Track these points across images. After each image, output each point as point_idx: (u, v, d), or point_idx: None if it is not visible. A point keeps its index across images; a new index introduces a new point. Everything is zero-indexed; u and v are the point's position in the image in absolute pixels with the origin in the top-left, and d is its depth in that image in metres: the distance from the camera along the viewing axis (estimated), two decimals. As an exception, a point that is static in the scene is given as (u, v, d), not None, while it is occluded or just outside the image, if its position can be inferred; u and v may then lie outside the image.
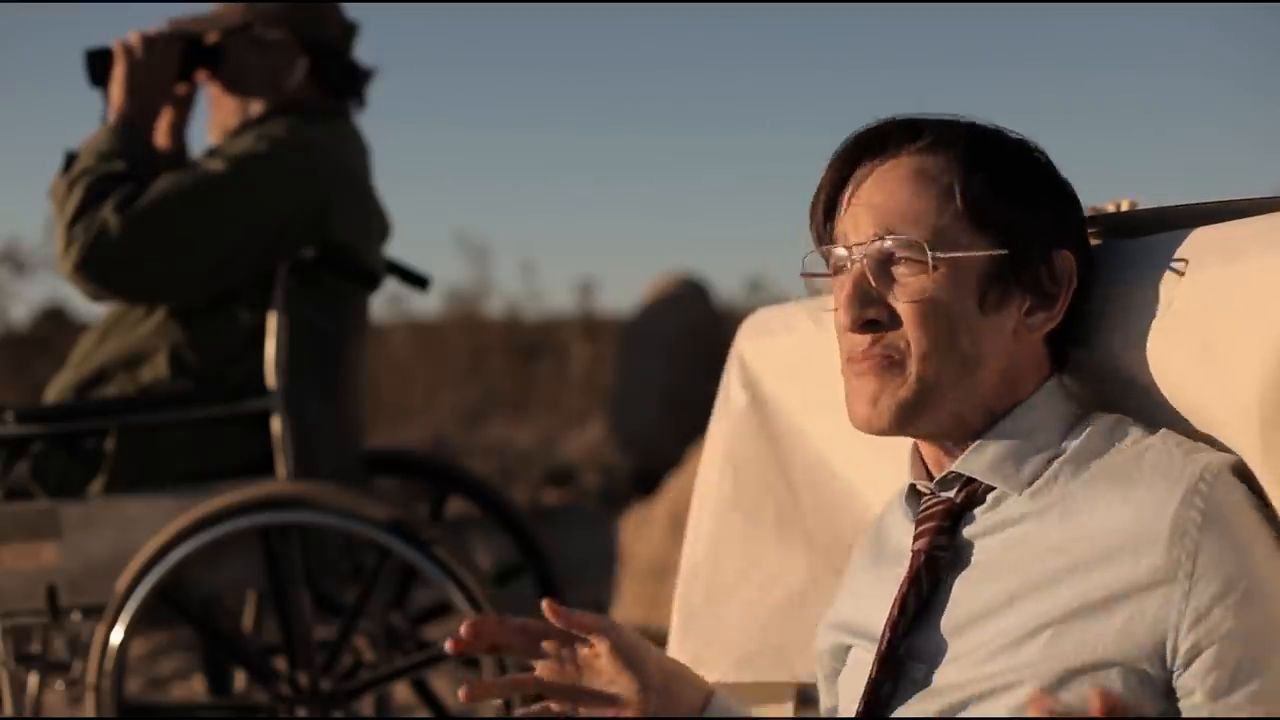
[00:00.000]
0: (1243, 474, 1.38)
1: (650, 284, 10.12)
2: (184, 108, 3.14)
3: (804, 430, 2.05)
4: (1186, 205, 1.51)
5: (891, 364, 1.44)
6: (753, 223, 21.06)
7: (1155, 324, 1.45)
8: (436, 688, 3.90)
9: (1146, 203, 1.73)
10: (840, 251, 1.48)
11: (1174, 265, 1.44)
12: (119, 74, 2.93)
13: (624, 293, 27.11)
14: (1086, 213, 1.56)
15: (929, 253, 1.42)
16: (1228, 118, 19.95)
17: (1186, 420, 1.45)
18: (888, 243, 1.45)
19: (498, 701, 2.80)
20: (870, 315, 1.45)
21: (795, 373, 2.00)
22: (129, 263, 2.83)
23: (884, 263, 1.45)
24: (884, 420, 1.46)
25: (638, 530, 6.19)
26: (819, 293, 1.89)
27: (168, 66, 2.95)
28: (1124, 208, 1.77)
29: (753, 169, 21.32)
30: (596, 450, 10.11)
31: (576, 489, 9.63)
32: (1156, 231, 1.50)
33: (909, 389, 1.44)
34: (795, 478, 2.07)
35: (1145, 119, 20.42)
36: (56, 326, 11.27)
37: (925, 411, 1.45)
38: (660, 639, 1.90)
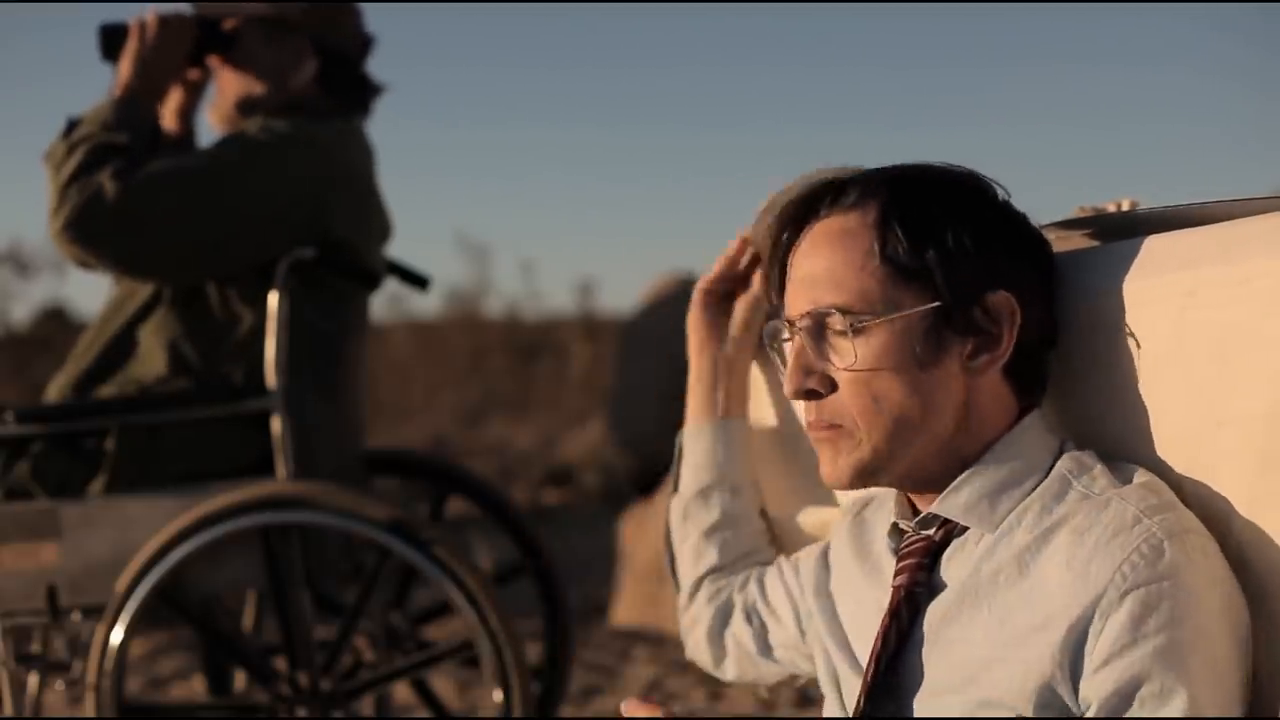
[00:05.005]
0: (1198, 543, 1.37)
1: (650, 284, 10.14)
2: (195, 92, 3.15)
3: (774, 436, 2.04)
4: (1186, 205, 1.51)
5: (840, 433, 1.49)
6: (753, 223, 21.04)
7: (1152, 325, 1.45)
8: (436, 688, 3.91)
9: (1146, 203, 1.73)
10: (783, 322, 1.54)
11: (1173, 266, 1.44)
12: (130, 49, 2.94)
13: (624, 293, 27.12)
14: (1086, 213, 1.56)
15: (855, 321, 1.45)
16: (1228, 117, 19.95)
17: (1186, 422, 1.45)
18: (818, 311, 1.48)
19: (498, 700, 2.81)
20: (809, 385, 1.49)
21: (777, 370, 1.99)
22: (118, 229, 2.82)
23: (818, 332, 1.49)
24: (843, 480, 1.51)
25: (638, 530, 6.19)
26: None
27: (179, 47, 2.97)
28: (1124, 208, 1.77)
29: (753, 168, 21.33)
30: (596, 450, 10.11)
31: (576, 489, 9.64)
32: (1156, 231, 1.50)
33: (860, 453, 1.48)
34: (765, 466, 2.06)
35: (1145, 118, 20.42)
36: (57, 326, 11.28)
37: (880, 470, 1.49)
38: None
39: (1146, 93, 20.37)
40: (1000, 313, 1.47)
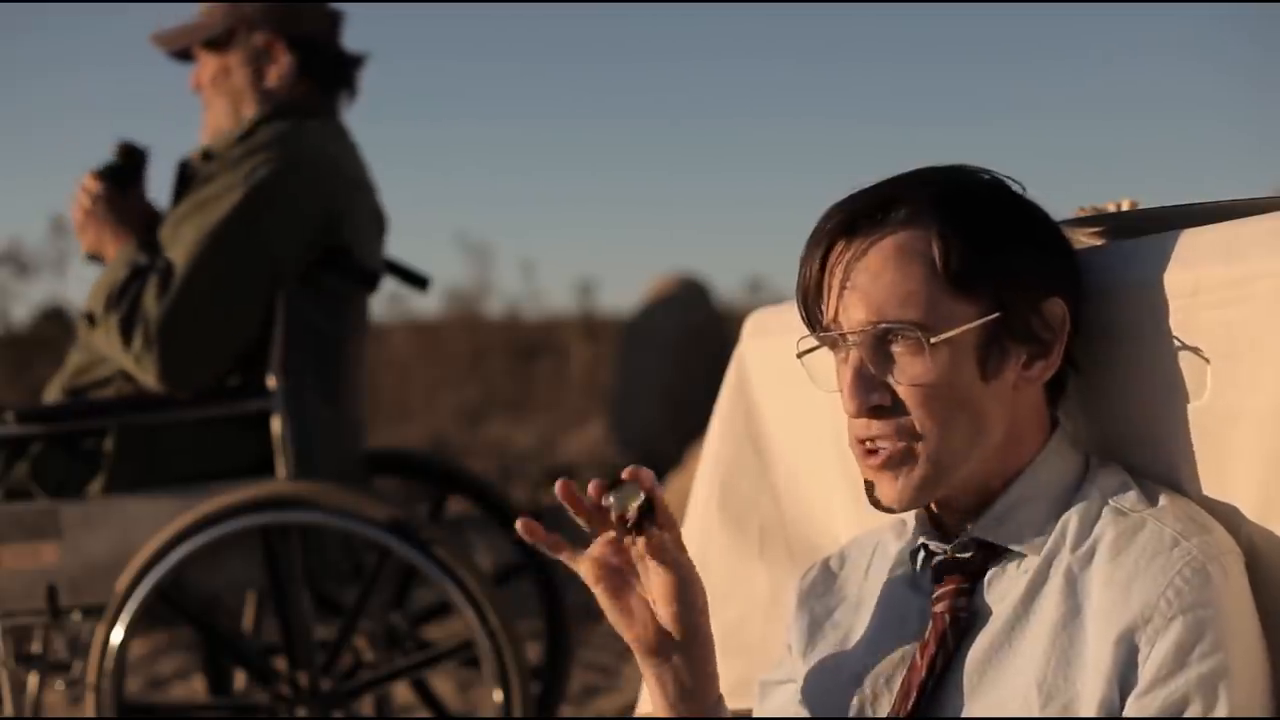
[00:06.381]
0: (1235, 565, 1.38)
1: (650, 284, 10.14)
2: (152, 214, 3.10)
3: (785, 436, 2.03)
4: (1186, 205, 1.51)
5: (896, 453, 1.46)
6: (753, 223, 21.07)
7: (1155, 325, 1.45)
8: (436, 688, 3.91)
9: (1146, 203, 1.73)
10: (836, 336, 1.49)
11: (1174, 266, 1.44)
12: (87, 233, 2.96)
13: (624, 293, 27.13)
14: (1087, 213, 1.55)
15: (925, 337, 1.43)
16: (1228, 117, 19.95)
17: (1193, 421, 1.45)
18: (882, 327, 1.45)
19: (498, 700, 2.81)
20: (875, 401, 1.45)
21: (782, 376, 1.98)
22: (198, 350, 2.85)
23: (880, 346, 1.46)
24: (906, 502, 1.48)
25: (638, 530, 6.18)
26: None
27: (110, 195, 2.96)
28: (1124, 207, 1.77)
29: (753, 168, 21.33)
30: (596, 450, 10.12)
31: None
32: (1156, 231, 1.50)
33: (922, 470, 1.46)
34: (778, 485, 2.05)
35: (1146, 117, 20.43)
36: (56, 326, 11.27)
37: (942, 484, 1.47)
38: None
39: (1147, 92, 20.38)
40: (1054, 319, 1.46)
